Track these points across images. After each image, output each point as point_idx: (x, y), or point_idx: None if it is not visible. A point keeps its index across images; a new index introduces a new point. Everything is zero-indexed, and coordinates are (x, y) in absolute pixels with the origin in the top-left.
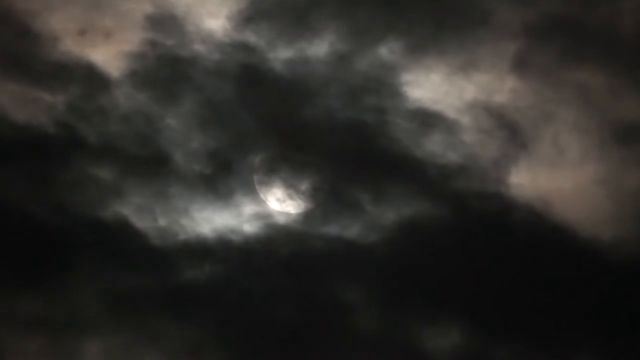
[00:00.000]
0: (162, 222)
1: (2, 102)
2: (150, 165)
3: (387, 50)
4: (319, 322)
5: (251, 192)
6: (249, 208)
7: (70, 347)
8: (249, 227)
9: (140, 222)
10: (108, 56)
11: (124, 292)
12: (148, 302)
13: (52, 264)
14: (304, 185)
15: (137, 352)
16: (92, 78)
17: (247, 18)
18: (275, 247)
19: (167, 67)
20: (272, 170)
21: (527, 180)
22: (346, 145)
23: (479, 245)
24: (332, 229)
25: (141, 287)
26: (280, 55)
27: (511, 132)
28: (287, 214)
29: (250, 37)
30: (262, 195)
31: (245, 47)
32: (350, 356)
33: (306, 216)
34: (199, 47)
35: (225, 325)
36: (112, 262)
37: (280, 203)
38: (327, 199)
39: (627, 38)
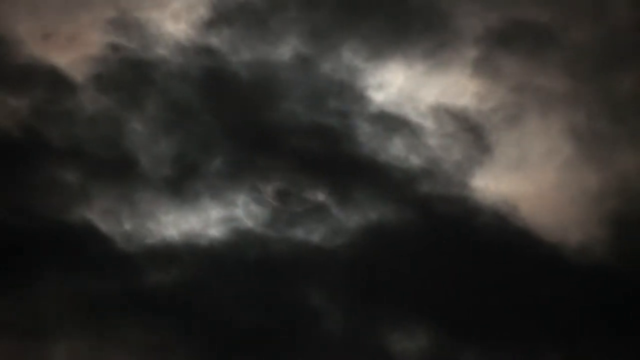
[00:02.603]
0: (127, 226)
1: None
2: (116, 168)
3: (350, 54)
4: (286, 325)
5: (217, 195)
6: (214, 212)
7: (36, 352)
8: (215, 231)
9: (105, 226)
10: (72, 60)
11: (89, 296)
12: (114, 306)
13: (17, 267)
14: (269, 189)
15: (104, 356)
16: (56, 82)
17: (209, 22)
18: (241, 250)
19: (131, 71)
20: (238, 174)
21: (491, 184)
22: (310, 149)
23: (445, 249)
24: (298, 233)
25: (107, 291)
26: (243, 58)
27: (475, 135)
28: (253, 218)
29: (213, 40)
30: (227, 199)
31: (208, 51)
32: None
33: (272, 220)
34: (162, 51)
35: (191, 329)
36: (77, 266)
37: (246, 206)
38: (293, 203)
39: (589, 43)
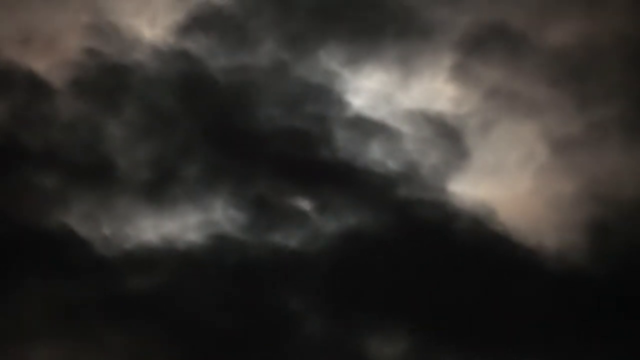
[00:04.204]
0: (106, 230)
1: None
2: (94, 173)
3: (327, 59)
4: (265, 330)
5: (195, 200)
6: (193, 216)
7: (14, 358)
8: (194, 236)
9: (84, 231)
10: (50, 64)
11: (68, 302)
12: (92, 311)
13: None
14: (248, 194)
15: None
16: (34, 86)
17: (186, 27)
18: (220, 255)
19: (108, 76)
20: (216, 179)
21: (468, 188)
22: (288, 154)
23: (423, 254)
24: (276, 238)
25: (85, 297)
26: (220, 63)
27: (452, 140)
28: (231, 222)
29: (190, 46)
30: (206, 204)
31: (185, 56)
32: None
33: (250, 224)
34: (139, 56)
35: (170, 333)
36: (55, 271)
37: (224, 211)
38: (271, 208)
39: (564, 49)
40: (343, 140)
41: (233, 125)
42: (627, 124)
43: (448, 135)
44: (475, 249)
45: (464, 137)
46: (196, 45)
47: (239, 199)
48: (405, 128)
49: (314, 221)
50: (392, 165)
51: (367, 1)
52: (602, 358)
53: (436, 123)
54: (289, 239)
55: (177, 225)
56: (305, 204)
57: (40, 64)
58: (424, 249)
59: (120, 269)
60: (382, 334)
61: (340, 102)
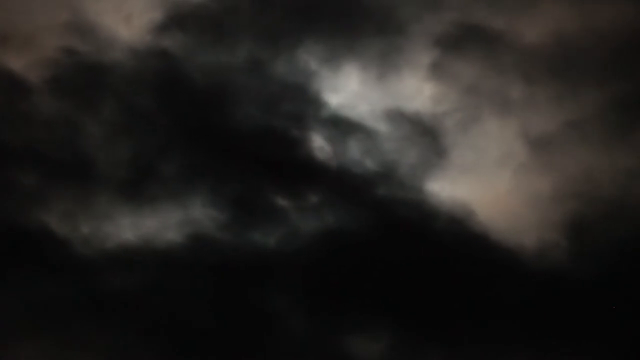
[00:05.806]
0: (85, 229)
1: None
2: (72, 172)
3: (304, 57)
4: (245, 328)
5: (174, 199)
6: (172, 215)
7: None
8: (172, 234)
9: (63, 229)
10: (27, 63)
11: (46, 300)
12: (71, 310)
13: None
14: (226, 192)
15: None
16: (12, 85)
17: (163, 26)
18: (198, 253)
19: (86, 74)
20: (195, 177)
21: (447, 187)
22: (266, 152)
23: (402, 252)
24: (255, 237)
25: (64, 295)
26: (198, 62)
27: (430, 139)
28: (210, 221)
29: (167, 44)
30: (185, 202)
31: (162, 55)
32: None
33: (229, 223)
34: (116, 55)
35: (149, 333)
36: (34, 269)
37: (203, 210)
38: (250, 207)
39: (542, 47)
40: (321, 139)
41: (211, 124)
42: (605, 122)
43: (426, 133)
44: (454, 247)
45: (442, 136)
46: (173, 43)
47: (218, 198)
48: (383, 127)
49: (292, 220)
50: (370, 164)
51: None
52: (583, 355)
53: (414, 122)
54: (268, 237)
55: (156, 223)
56: (284, 203)
57: (18, 63)
58: (403, 248)
59: (99, 267)
60: (361, 332)
61: (317, 101)
